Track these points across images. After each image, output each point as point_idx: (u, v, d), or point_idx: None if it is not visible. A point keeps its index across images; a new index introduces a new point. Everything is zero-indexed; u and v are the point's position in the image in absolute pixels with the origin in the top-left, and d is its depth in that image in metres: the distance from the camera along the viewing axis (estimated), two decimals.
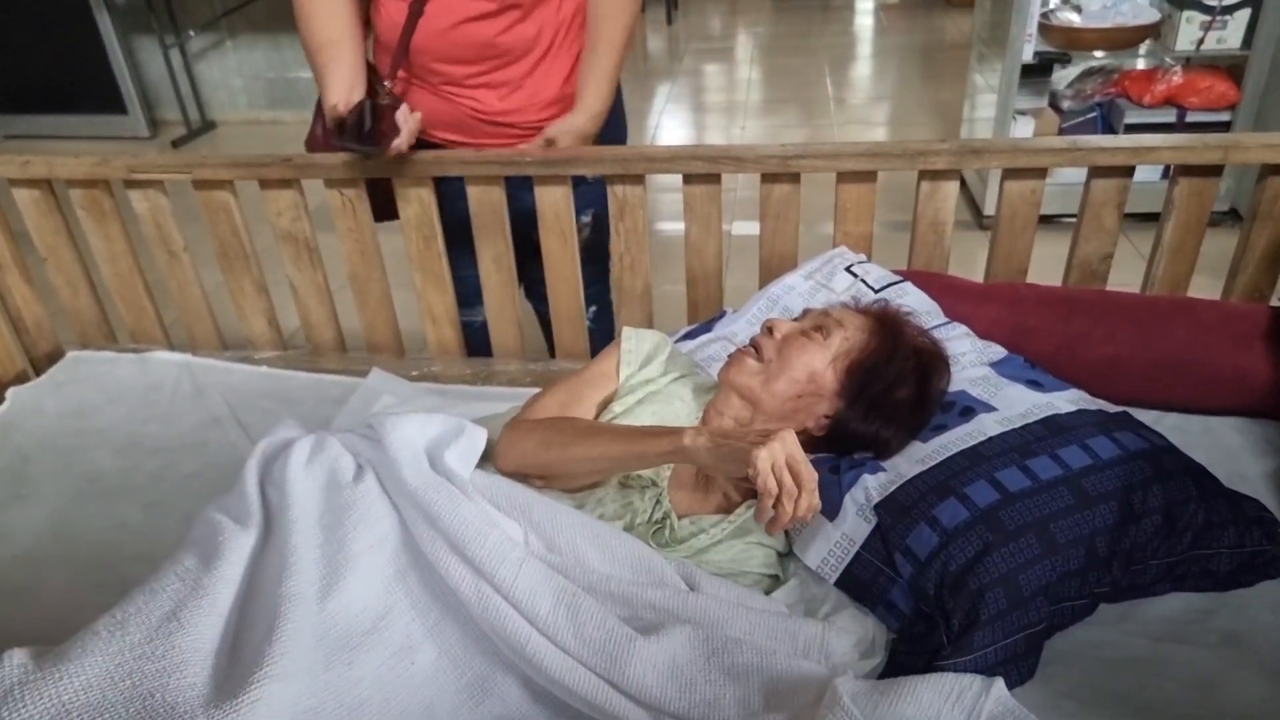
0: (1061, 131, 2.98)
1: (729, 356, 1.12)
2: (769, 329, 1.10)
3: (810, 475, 0.88)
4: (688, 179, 1.46)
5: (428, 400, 1.51)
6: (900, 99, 4.55)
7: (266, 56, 4.45)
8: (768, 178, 1.44)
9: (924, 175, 1.39)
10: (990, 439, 1.05)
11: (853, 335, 1.07)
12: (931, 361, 1.10)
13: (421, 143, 1.53)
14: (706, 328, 1.42)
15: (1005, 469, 1.00)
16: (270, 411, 1.54)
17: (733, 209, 3.09)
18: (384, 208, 1.60)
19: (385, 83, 1.45)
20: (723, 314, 1.46)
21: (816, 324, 1.09)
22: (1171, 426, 1.25)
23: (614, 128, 1.59)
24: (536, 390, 1.50)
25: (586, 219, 1.62)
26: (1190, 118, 2.84)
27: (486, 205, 1.53)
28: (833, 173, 1.40)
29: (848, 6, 6.37)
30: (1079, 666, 0.94)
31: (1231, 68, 2.80)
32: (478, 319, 1.73)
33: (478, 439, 1.02)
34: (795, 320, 1.13)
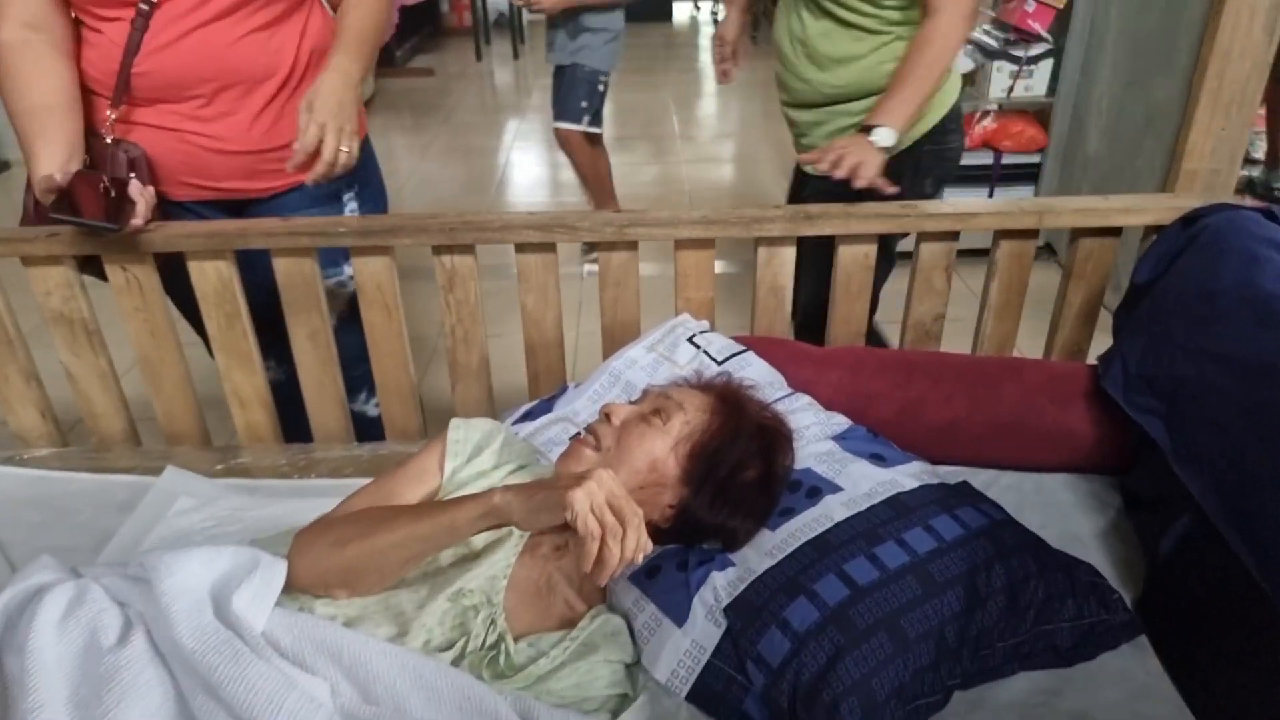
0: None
1: (567, 447, 1.05)
2: (606, 415, 1.03)
3: (634, 511, 0.81)
4: (521, 248, 1.38)
5: (233, 500, 1.34)
6: (744, 136, 4.67)
7: None
8: (605, 246, 1.38)
9: (761, 241, 1.37)
10: (837, 524, 1.02)
11: (694, 417, 1.02)
12: (775, 439, 1.07)
13: (163, 201, 1.37)
14: (547, 406, 1.34)
15: (853, 559, 0.97)
16: (39, 525, 1.33)
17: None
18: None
19: (104, 122, 1.29)
20: (564, 389, 1.38)
21: (655, 407, 1.03)
22: (1007, 486, 1.28)
23: (371, 185, 1.50)
24: (360, 481, 1.41)
25: (349, 272, 1.47)
26: (1006, 159, 3.04)
27: (297, 278, 1.39)
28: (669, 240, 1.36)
29: (690, 43, 6.54)
30: None
31: (1039, 113, 3.02)
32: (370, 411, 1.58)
33: (274, 575, 0.89)
34: (634, 403, 1.07)
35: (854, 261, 1.39)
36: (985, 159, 3.04)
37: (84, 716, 0.76)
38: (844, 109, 1.54)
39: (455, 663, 0.91)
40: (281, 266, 1.38)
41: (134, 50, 1.25)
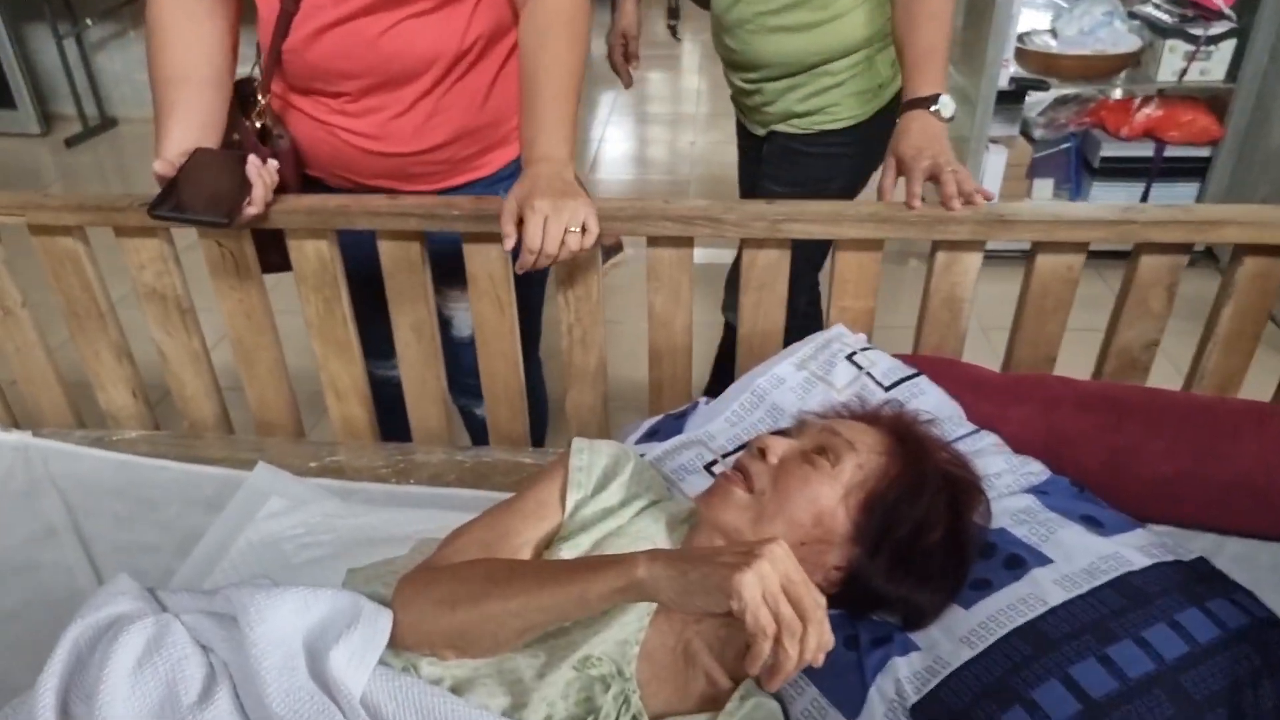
0: (1034, 162, 2.84)
1: (712, 484, 0.87)
2: (761, 451, 0.86)
3: (816, 600, 0.65)
4: (654, 241, 1.21)
5: (325, 505, 1.22)
6: None
7: None
8: (751, 242, 1.19)
9: (940, 245, 1.17)
10: (1053, 609, 0.82)
11: (868, 460, 0.84)
12: (967, 492, 0.88)
13: (310, 183, 1.24)
14: (676, 425, 1.17)
15: (1081, 661, 0.77)
16: (124, 518, 1.24)
17: None
18: (271, 254, 1.31)
19: (259, 100, 1.16)
20: (695, 405, 1.21)
21: (820, 444, 0.85)
22: (1235, 557, 1.05)
23: None
24: (462, 492, 1.27)
25: None
26: (1169, 152, 2.73)
27: (403, 263, 1.25)
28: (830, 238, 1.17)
29: None
30: None
31: (1213, 100, 2.68)
32: (394, 374, 1.45)
33: (378, 630, 0.75)
34: (790, 436, 0.89)
35: (1055, 274, 1.17)
36: (1144, 150, 2.73)
37: None
38: (825, 69, 1.42)
39: None
40: (387, 250, 1.24)
41: (283, 31, 1.11)
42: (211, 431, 1.43)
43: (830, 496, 0.83)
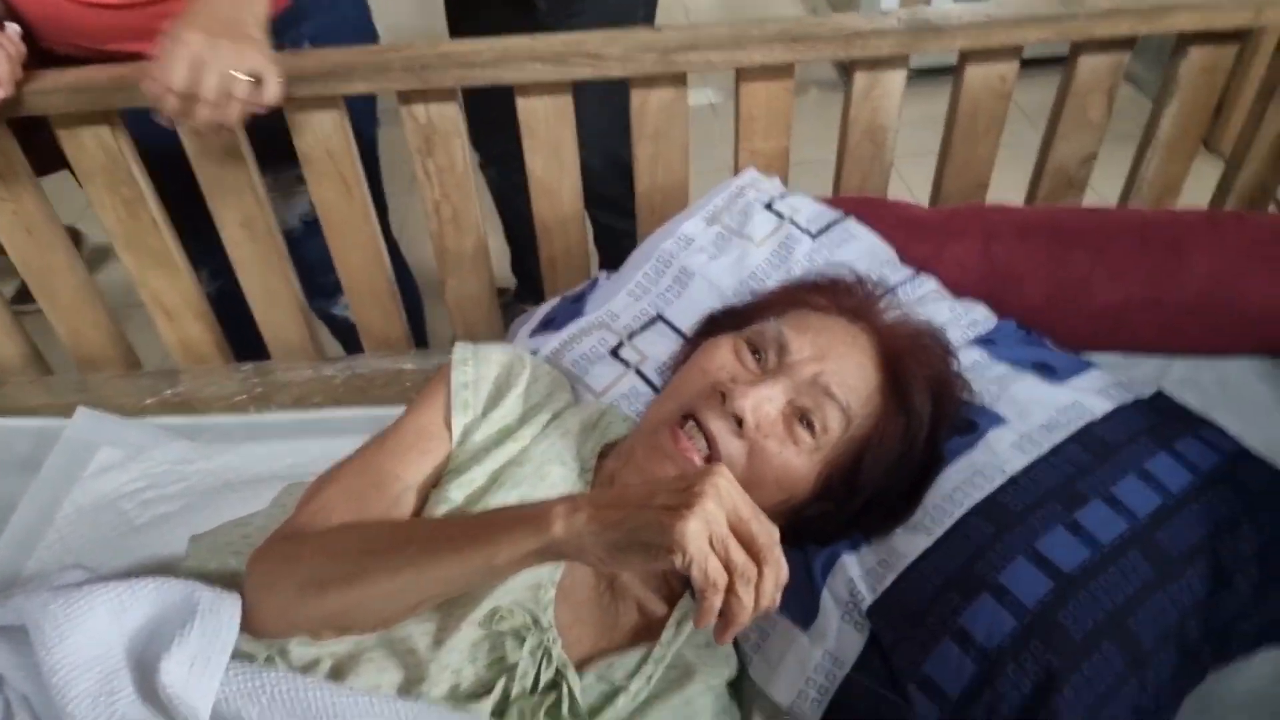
0: None
1: (657, 438, 0.71)
2: (736, 413, 0.69)
3: (768, 535, 0.55)
4: (524, 90, 1.03)
5: (170, 450, 1.06)
6: None
7: None
8: (640, 81, 1.03)
9: (859, 65, 1.03)
10: (1014, 479, 0.76)
11: (858, 427, 0.72)
12: (947, 406, 0.77)
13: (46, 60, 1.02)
14: (574, 308, 1.04)
15: (1049, 532, 0.71)
16: None
17: None
18: (43, 151, 1.08)
19: None
20: (594, 282, 1.08)
21: (804, 406, 0.70)
22: (1181, 380, 1.01)
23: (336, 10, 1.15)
24: (335, 414, 1.13)
25: None
26: None
27: (213, 146, 1.05)
28: (731, 70, 1.02)
29: None
30: None
31: None
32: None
33: (223, 622, 0.63)
34: (760, 363, 0.73)
35: (986, 88, 1.05)
36: None
37: None
38: None
39: (500, 714, 0.67)
40: (189, 133, 1.03)
41: None
42: (19, 376, 1.23)
43: (808, 470, 0.71)
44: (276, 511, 0.85)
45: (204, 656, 0.60)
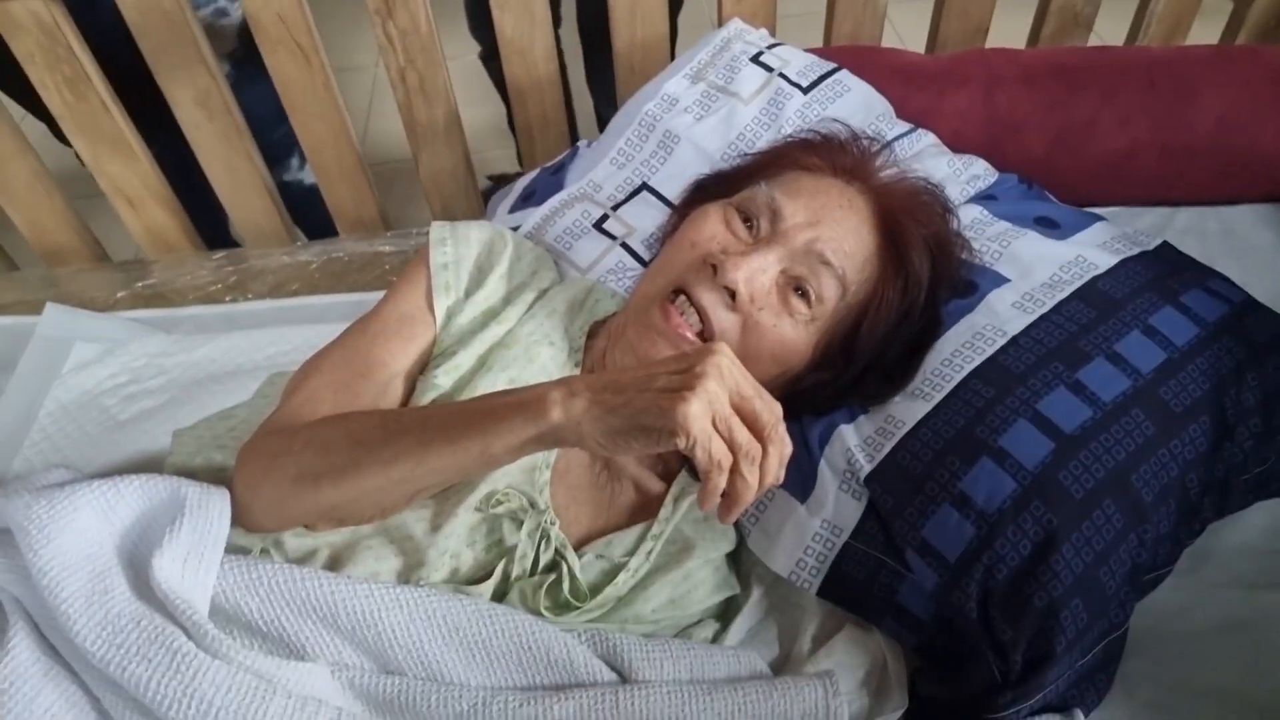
0: None
1: (646, 316, 0.68)
2: (729, 284, 0.65)
3: (771, 412, 0.53)
4: None
5: (148, 343, 1.03)
6: None
7: None
8: None
9: None
10: (1015, 339, 0.74)
11: (854, 295, 0.69)
12: (947, 265, 0.75)
13: None
14: (555, 181, 0.99)
15: (1050, 392, 0.70)
16: None
17: None
18: None
19: None
20: (575, 150, 1.02)
21: (799, 278, 0.67)
22: (1185, 230, 0.99)
23: None
24: (313, 300, 1.09)
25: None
26: None
27: (157, 16, 0.96)
28: None
29: None
30: (1163, 655, 0.71)
31: None
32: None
33: (213, 514, 0.61)
34: (751, 229, 0.69)
35: None
36: None
37: None
38: None
39: (500, 597, 0.67)
40: (131, 2, 0.95)
41: None
42: None
43: (804, 341, 0.68)
44: (260, 403, 0.83)
45: (197, 552, 0.59)
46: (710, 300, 0.66)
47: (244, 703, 0.55)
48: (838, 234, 0.68)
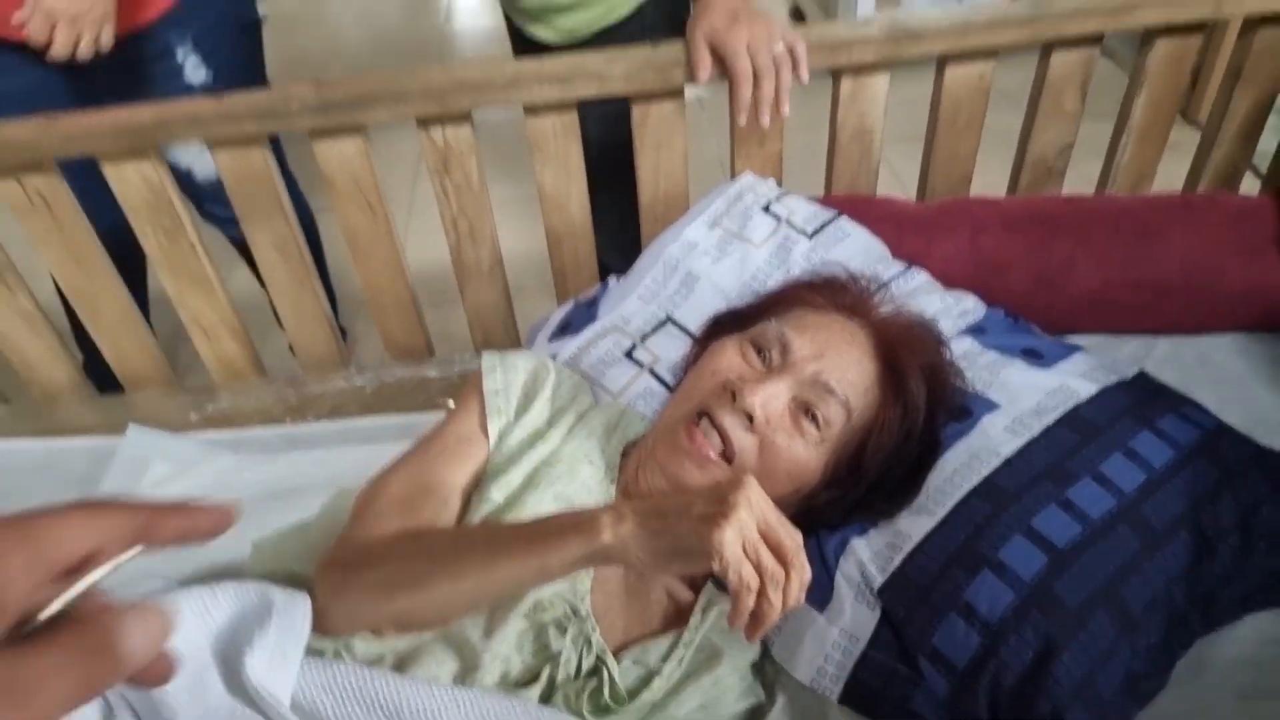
0: None
1: (674, 437, 0.74)
2: (746, 410, 0.72)
3: (793, 540, 0.59)
4: (532, 109, 1.06)
5: (217, 461, 1.10)
6: None
7: None
8: (640, 97, 1.06)
9: (844, 72, 1.06)
10: (1008, 461, 0.79)
11: (859, 419, 0.75)
12: (943, 392, 0.81)
13: None
14: (588, 314, 1.07)
15: (1042, 510, 0.75)
16: None
17: None
18: None
19: None
20: (605, 286, 1.11)
21: (809, 402, 0.73)
22: (1164, 359, 1.04)
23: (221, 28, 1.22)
24: (368, 422, 1.16)
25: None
26: None
27: (248, 174, 1.08)
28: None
29: None
30: None
31: None
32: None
33: (297, 617, 0.66)
34: (764, 361, 0.76)
35: (966, 85, 1.08)
36: None
37: None
38: None
39: (546, 699, 0.71)
40: (226, 163, 1.07)
41: None
42: (69, 396, 1.27)
43: (815, 461, 0.74)
44: (331, 517, 0.88)
45: (281, 650, 0.64)
46: (731, 423, 0.72)
47: None
48: (841, 365, 0.74)
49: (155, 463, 1.10)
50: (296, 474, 1.08)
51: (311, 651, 0.68)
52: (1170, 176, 1.24)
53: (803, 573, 0.59)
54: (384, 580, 0.67)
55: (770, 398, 0.72)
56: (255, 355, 1.26)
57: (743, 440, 0.72)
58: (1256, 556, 0.78)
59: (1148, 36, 1.07)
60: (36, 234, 1.12)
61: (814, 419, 0.73)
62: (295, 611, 0.67)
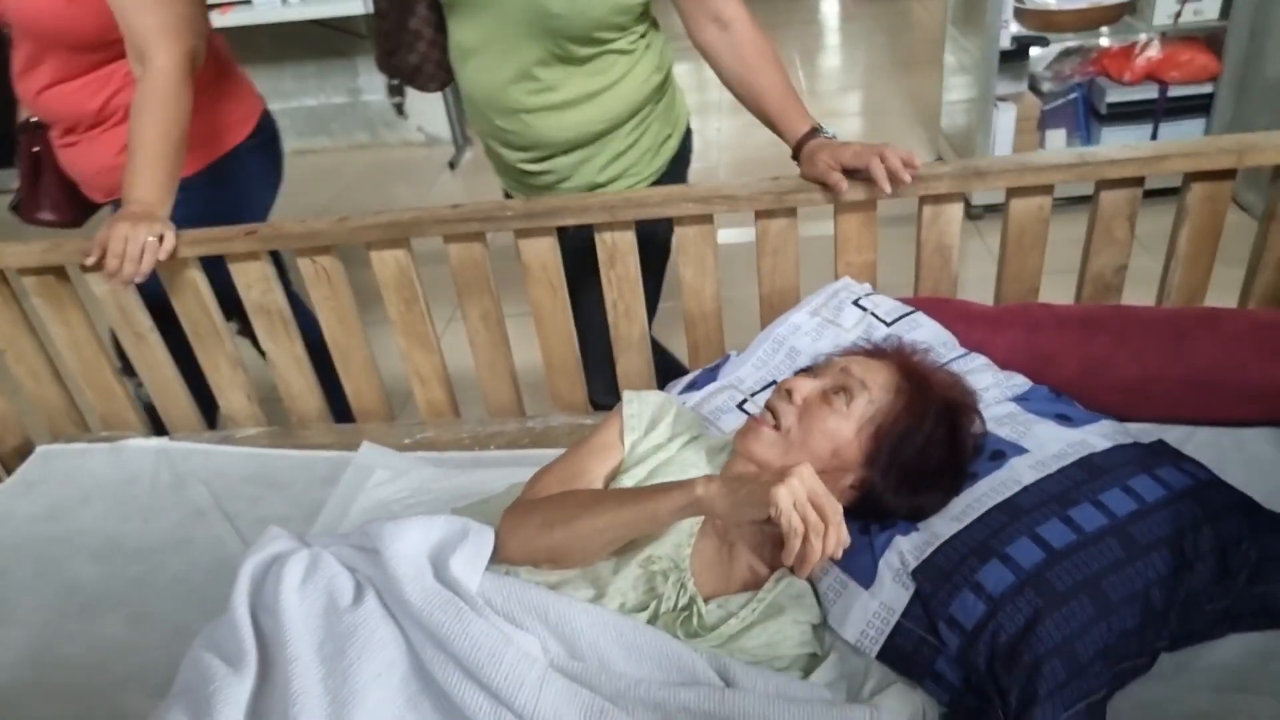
0: (1043, 115, 2.95)
1: (745, 424, 1.05)
2: (787, 391, 1.02)
3: (835, 508, 0.84)
4: (679, 221, 1.40)
5: (423, 472, 1.45)
6: (872, 87, 4.50)
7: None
8: (762, 213, 1.38)
9: (926, 200, 1.34)
10: (1026, 488, 1.00)
11: (878, 397, 1.00)
12: (962, 414, 1.04)
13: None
14: (711, 375, 1.37)
15: (1046, 522, 0.95)
16: (257, 498, 1.47)
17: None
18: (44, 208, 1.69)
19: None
20: (726, 358, 1.40)
21: (838, 384, 1.01)
22: (1203, 443, 1.21)
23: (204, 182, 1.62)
24: (535, 452, 1.48)
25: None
26: (1173, 92, 2.82)
27: (468, 262, 1.47)
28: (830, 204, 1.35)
29: None
30: None
31: (1209, 38, 2.77)
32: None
33: (484, 542, 0.96)
34: (812, 374, 1.06)
35: (1028, 214, 1.33)
36: (1149, 93, 2.83)
37: (331, 667, 0.85)
38: (614, 135, 1.43)
39: (649, 623, 0.96)
40: (454, 252, 1.46)
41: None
42: (316, 422, 1.66)
43: (846, 431, 1.00)
44: (505, 497, 1.19)
45: (474, 558, 0.93)
46: (779, 404, 1.01)
47: (494, 645, 0.86)
48: (864, 368, 1.02)
49: (377, 471, 1.46)
50: (478, 484, 1.40)
51: (492, 569, 0.97)
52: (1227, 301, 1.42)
53: (839, 530, 0.83)
54: (546, 519, 0.97)
55: (806, 384, 1.02)
56: (454, 400, 1.62)
57: (786, 412, 1.00)
58: (1239, 583, 0.94)
59: (1186, 180, 1.29)
60: (318, 298, 1.54)
61: (839, 394, 0.99)
62: (484, 535, 0.97)
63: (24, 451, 1.64)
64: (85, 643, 1.22)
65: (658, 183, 1.49)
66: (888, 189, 1.27)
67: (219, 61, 1.62)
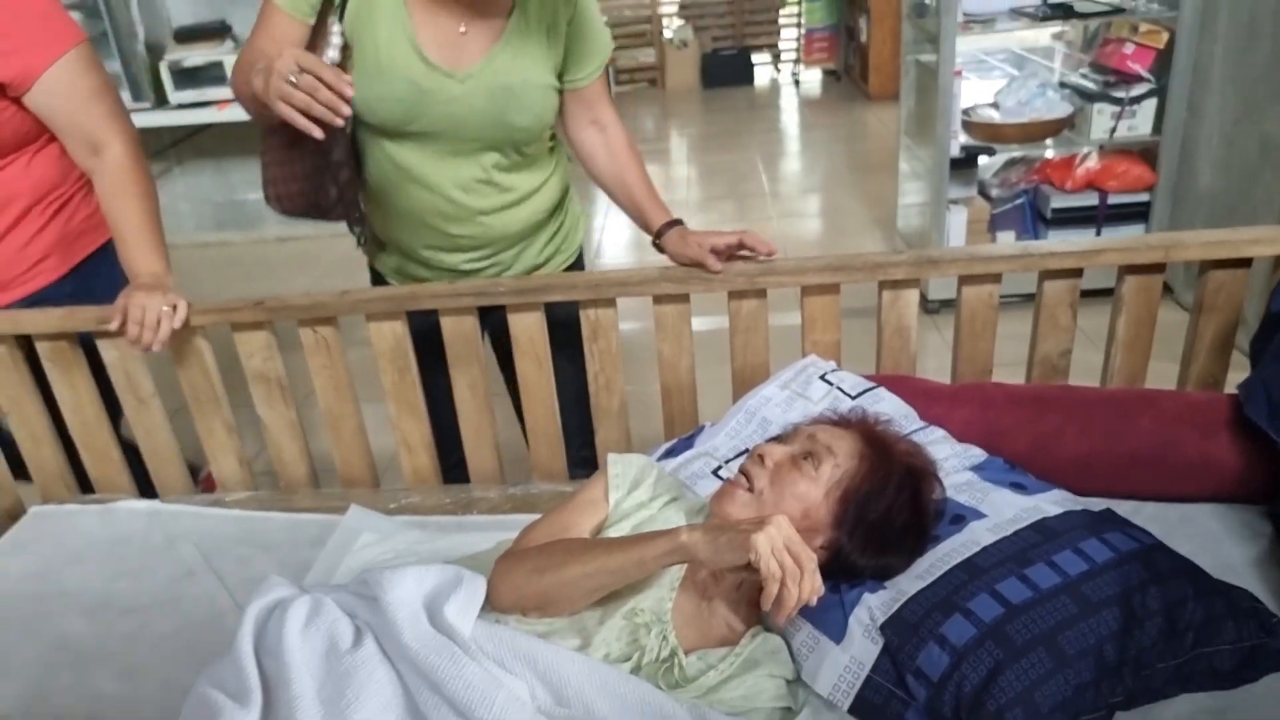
0: (993, 218, 3.11)
1: (720, 488, 1.09)
2: (759, 456, 1.06)
3: (810, 557, 0.88)
4: (658, 299, 1.47)
5: (409, 535, 1.46)
6: (832, 190, 4.71)
7: (213, 180, 4.48)
8: (735, 294, 1.46)
9: (885, 285, 1.43)
10: (985, 549, 1.05)
11: (844, 462, 1.05)
12: (924, 479, 1.09)
13: None
14: (687, 443, 1.41)
15: (1005, 580, 1.00)
16: (246, 559, 1.47)
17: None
18: None
19: None
20: (701, 428, 1.45)
21: (805, 450, 1.06)
22: (1150, 517, 1.26)
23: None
24: (517, 516, 1.51)
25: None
26: (1113, 199, 2.99)
27: (459, 335, 1.52)
28: (798, 287, 1.43)
29: (772, 104, 6.65)
30: None
31: (1144, 151, 2.96)
32: None
33: (477, 589, 0.99)
34: (783, 441, 1.11)
35: (979, 300, 1.42)
36: (1090, 200, 3.00)
37: (331, 707, 0.86)
38: (547, 226, 1.55)
39: (633, 673, 0.98)
40: (448, 325, 1.51)
41: None
42: (304, 487, 1.68)
43: (815, 494, 1.03)
44: (494, 551, 1.21)
45: (466, 605, 0.95)
46: (754, 470, 1.04)
47: (486, 688, 0.88)
48: (831, 435, 1.06)
49: (364, 533, 1.47)
50: (462, 546, 1.41)
51: (483, 616, 0.99)
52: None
53: (813, 578, 0.87)
54: (537, 565, 0.99)
55: (777, 450, 1.06)
56: (438, 467, 1.64)
57: (760, 475, 1.03)
58: (1186, 643, 0.98)
59: (1121, 272, 1.40)
60: (315, 367, 1.58)
61: (809, 459, 1.03)
62: (477, 582, 1.00)
63: (15, 513, 1.63)
64: (76, 696, 1.20)
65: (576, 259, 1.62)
66: (775, 250, 1.40)
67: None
